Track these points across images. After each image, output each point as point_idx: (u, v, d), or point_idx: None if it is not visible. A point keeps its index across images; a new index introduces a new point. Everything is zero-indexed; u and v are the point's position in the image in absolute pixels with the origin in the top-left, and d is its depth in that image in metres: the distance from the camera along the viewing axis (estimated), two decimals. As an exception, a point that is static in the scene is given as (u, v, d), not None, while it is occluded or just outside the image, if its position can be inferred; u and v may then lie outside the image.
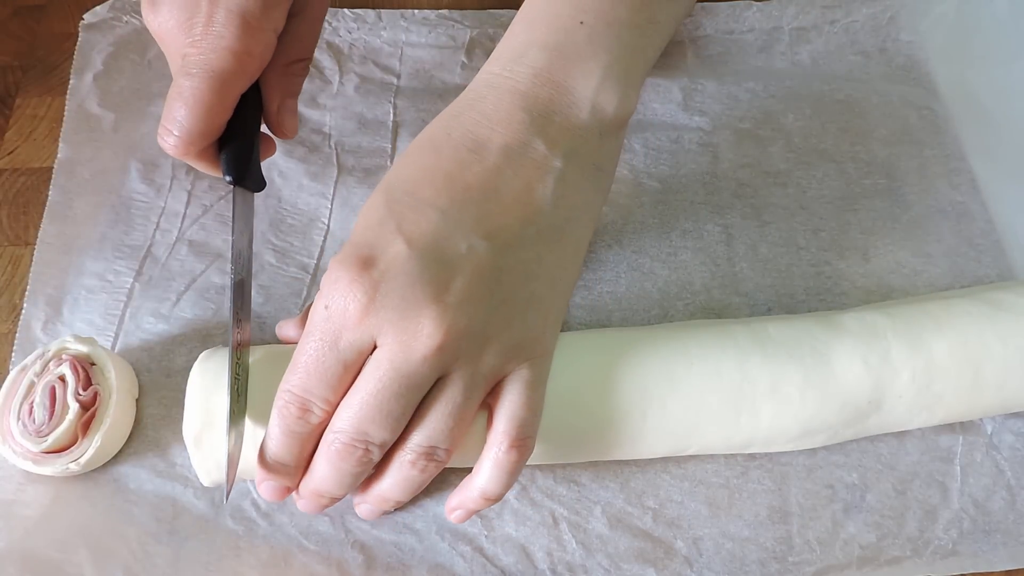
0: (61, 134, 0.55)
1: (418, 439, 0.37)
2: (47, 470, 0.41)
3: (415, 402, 0.36)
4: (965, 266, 0.51)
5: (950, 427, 0.45)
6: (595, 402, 0.41)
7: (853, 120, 0.57)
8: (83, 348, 0.43)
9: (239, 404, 0.39)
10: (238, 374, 0.39)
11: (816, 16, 0.62)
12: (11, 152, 0.55)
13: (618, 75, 0.40)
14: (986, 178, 0.54)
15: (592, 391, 0.41)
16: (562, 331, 0.46)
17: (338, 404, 0.36)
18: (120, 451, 0.44)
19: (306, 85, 0.57)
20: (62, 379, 0.42)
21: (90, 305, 0.48)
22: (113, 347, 0.47)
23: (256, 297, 0.49)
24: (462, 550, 0.42)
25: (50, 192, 0.52)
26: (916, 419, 0.43)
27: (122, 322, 0.48)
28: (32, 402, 0.42)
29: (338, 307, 0.35)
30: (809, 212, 0.53)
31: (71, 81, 0.57)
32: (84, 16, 0.60)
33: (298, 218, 0.52)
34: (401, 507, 0.42)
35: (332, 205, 0.53)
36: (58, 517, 0.42)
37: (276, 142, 0.49)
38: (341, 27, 0.61)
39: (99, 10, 0.60)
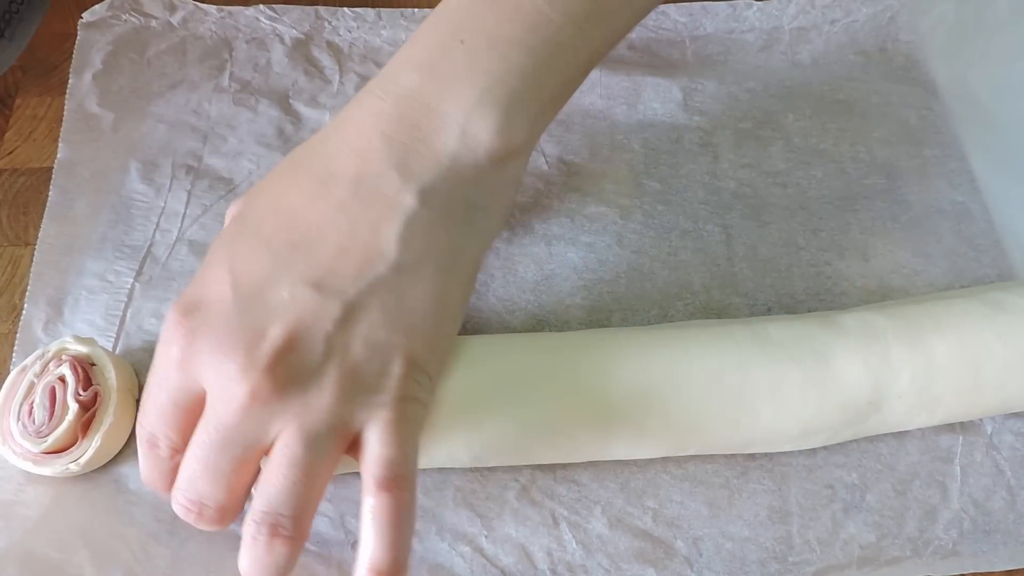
0: (61, 134, 0.55)
1: (257, 504, 0.33)
2: (47, 471, 0.41)
3: (248, 459, 0.34)
4: (965, 266, 0.51)
5: (950, 427, 0.45)
6: (595, 402, 0.41)
7: (853, 120, 0.57)
8: (83, 348, 0.43)
9: None
10: None
11: (816, 16, 0.62)
12: (11, 152, 0.55)
13: (498, 99, 0.35)
14: (986, 178, 0.54)
15: (592, 391, 0.41)
16: (562, 331, 0.46)
17: (187, 439, 0.35)
18: (120, 451, 0.44)
19: (306, 84, 0.58)
20: (62, 379, 0.42)
21: (91, 305, 0.48)
22: (114, 348, 0.47)
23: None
24: (462, 550, 0.42)
25: (50, 192, 0.52)
26: (916, 419, 0.43)
27: (123, 323, 0.48)
28: (32, 402, 0.42)
29: (162, 350, 0.35)
30: (809, 212, 0.53)
31: (70, 80, 0.57)
32: (83, 15, 0.59)
33: (298, 218, 0.52)
34: None
35: (332, 205, 0.53)
36: (58, 517, 0.42)
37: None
38: (341, 26, 0.61)
39: (98, 9, 0.60)
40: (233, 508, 0.35)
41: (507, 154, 0.37)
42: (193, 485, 0.34)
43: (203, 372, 0.34)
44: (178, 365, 0.34)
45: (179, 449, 0.35)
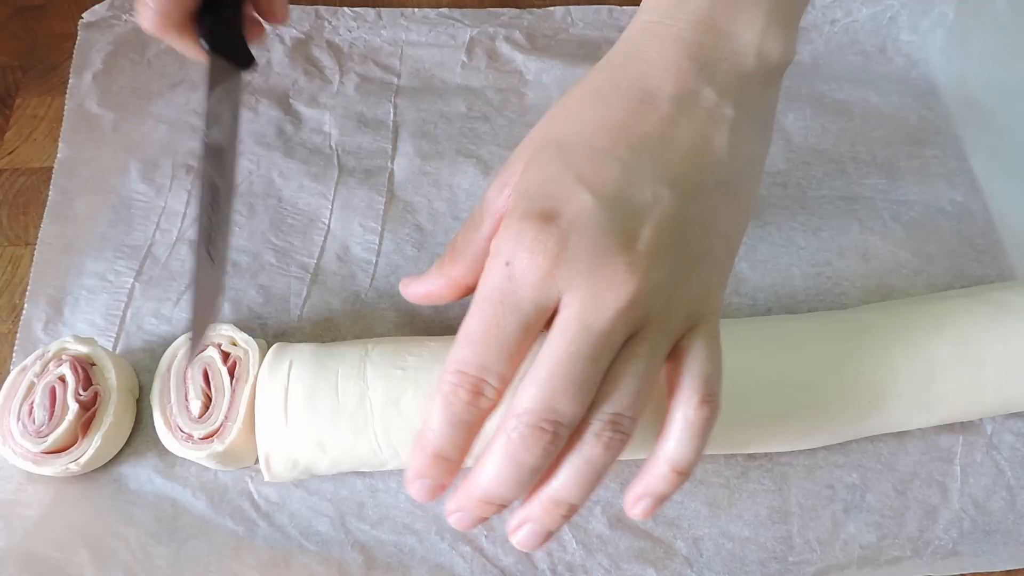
0: (61, 134, 0.55)
1: (607, 408, 0.32)
2: (47, 470, 0.41)
3: (606, 368, 0.32)
4: (965, 266, 0.51)
5: (950, 427, 0.45)
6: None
7: (853, 120, 0.57)
8: (83, 348, 0.43)
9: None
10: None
11: (816, 16, 0.62)
12: (11, 152, 0.55)
13: (780, 19, 0.37)
14: (986, 178, 0.54)
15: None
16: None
17: (510, 380, 0.33)
18: (120, 451, 0.44)
19: (306, 84, 0.58)
20: (62, 379, 0.42)
21: (91, 305, 0.48)
22: (114, 348, 0.47)
23: (256, 297, 0.49)
24: (462, 550, 0.42)
25: (50, 192, 0.52)
26: (916, 419, 0.43)
27: (123, 323, 0.48)
28: (32, 402, 0.42)
29: (523, 263, 0.32)
30: (809, 212, 0.53)
31: (70, 80, 0.57)
32: (83, 15, 0.60)
33: (298, 218, 0.52)
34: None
35: (332, 205, 0.53)
36: (58, 517, 0.42)
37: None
38: (341, 26, 0.61)
39: (98, 9, 0.60)
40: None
41: (783, 69, 0.39)
42: (549, 401, 0.31)
43: (575, 279, 0.32)
44: (545, 275, 0.32)
45: (502, 394, 0.33)
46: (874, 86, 0.59)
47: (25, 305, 0.48)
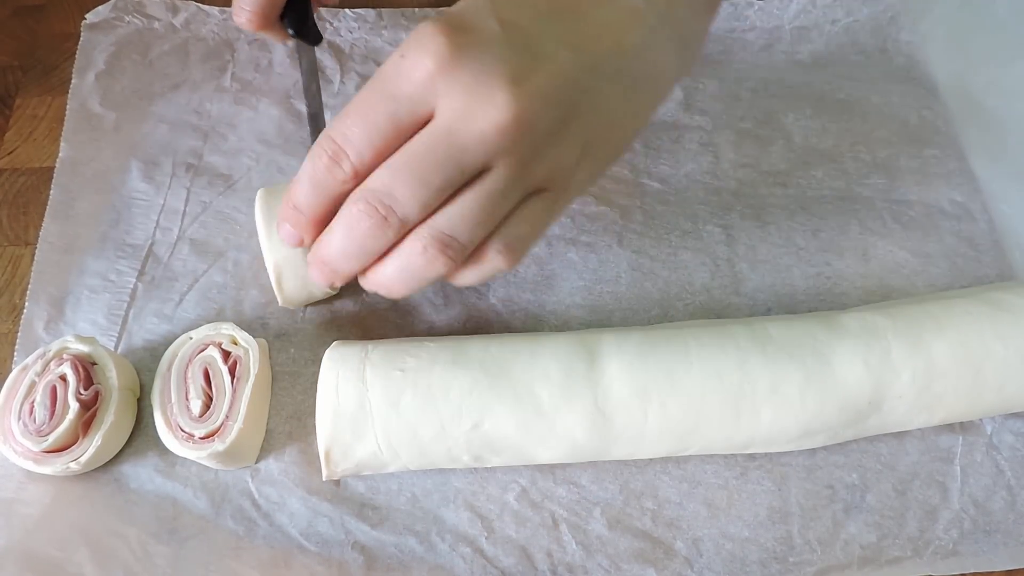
0: (62, 133, 0.55)
1: (439, 222, 0.35)
2: (48, 469, 0.41)
3: (454, 183, 0.34)
4: (965, 266, 0.51)
5: (950, 427, 0.45)
6: (595, 402, 0.41)
7: (853, 120, 0.57)
8: (84, 347, 0.43)
9: None
10: None
11: (817, 16, 0.62)
12: (11, 152, 0.55)
13: None
14: (986, 178, 0.54)
15: (592, 391, 0.41)
16: (561, 331, 0.46)
17: (372, 168, 0.35)
18: (121, 450, 0.44)
19: (307, 85, 0.58)
20: (63, 378, 0.42)
21: (93, 305, 0.48)
22: (116, 347, 0.47)
23: (258, 297, 0.49)
24: (462, 551, 0.42)
25: (52, 191, 0.52)
26: (916, 419, 0.43)
27: (125, 322, 0.48)
28: (33, 401, 0.42)
29: (413, 59, 0.33)
30: (809, 212, 0.53)
31: (73, 80, 0.57)
32: (86, 16, 0.60)
33: (299, 218, 0.52)
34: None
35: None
36: (59, 516, 0.42)
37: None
38: (342, 27, 0.61)
39: (101, 10, 0.60)
40: (410, 229, 0.35)
41: (714, 5, 0.42)
42: (391, 186, 0.34)
43: (453, 90, 0.33)
44: (429, 74, 0.33)
45: (360, 175, 0.35)
46: (874, 86, 0.59)
47: (26, 304, 0.48)
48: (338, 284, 0.39)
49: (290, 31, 0.49)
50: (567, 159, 0.36)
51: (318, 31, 0.50)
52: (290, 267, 0.44)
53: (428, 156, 0.34)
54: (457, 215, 0.35)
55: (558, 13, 0.36)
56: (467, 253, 0.36)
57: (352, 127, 0.35)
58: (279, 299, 0.45)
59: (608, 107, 0.37)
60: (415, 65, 0.33)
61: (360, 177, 0.35)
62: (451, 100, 0.33)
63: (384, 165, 0.34)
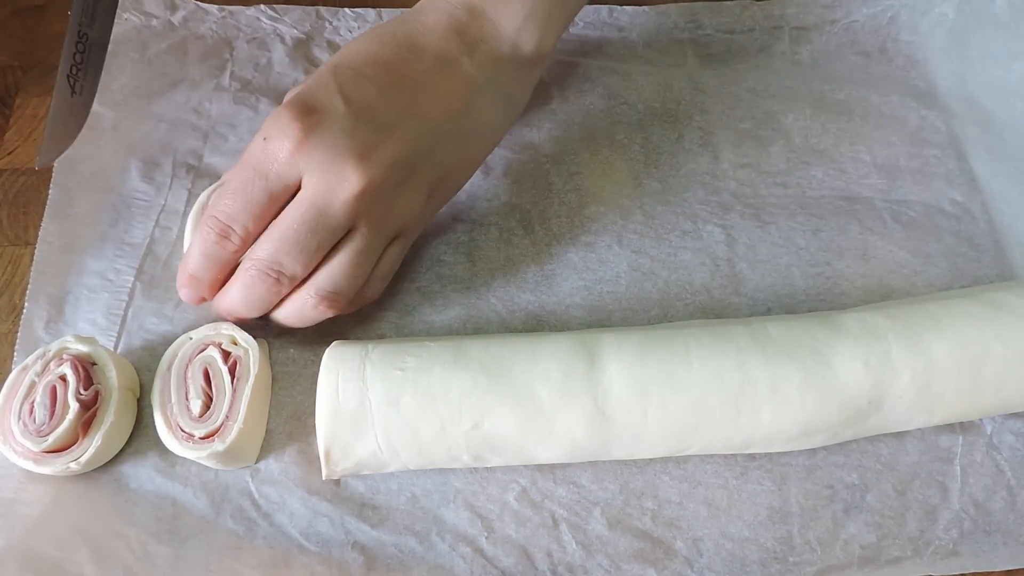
0: (61, 133, 0.55)
1: (321, 280, 0.41)
2: (48, 469, 0.41)
3: (327, 244, 0.41)
4: (965, 266, 0.51)
5: (950, 427, 0.45)
6: (595, 402, 0.41)
7: (853, 120, 0.57)
8: (84, 347, 0.43)
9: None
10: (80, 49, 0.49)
11: (816, 16, 0.62)
12: (11, 152, 0.55)
13: (540, 20, 0.46)
14: (986, 178, 0.54)
15: (592, 391, 0.41)
16: (561, 331, 0.46)
17: (256, 235, 0.41)
18: (121, 451, 0.44)
19: (306, 84, 0.57)
20: (63, 379, 0.42)
21: (92, 305, 0.48)
22: (116, 347, 0.47)
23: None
24: (462, 551, 0.42)
25: (51, 191, 0.52)
26: (916, 419, 0.43)
27: (124, 322, 0.48)
28: (33, 402, 0.42)
29: (273, 142, 0.40)
30: (809, 212, 0.53)
31: (71, 80, 0.57)
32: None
33: (298, 218, 0.52)
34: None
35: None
36: (59, 516, 0.42)
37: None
38: (342, 26, 0.61)
39: (99, 9, 0.60)
40: (295, 286, 0.42)
41: (537, 61, 0.48)
42: (276, 255, 0.40)
43: (312, 167, 0.40)
44: (288, 155, 0.40)
45: (247, 243, 0.41)
46: (874, 86, 0.59)
47: (26, 304, 0.48)
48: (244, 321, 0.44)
49: None
50: (415, 208, 0.44)
51: None
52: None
53: (302, 228, 0.40)
54: (337, 273, 0.41)
55: (398, 86, 0.43)
56: (350, 299, 0.43)
57: (233, 205, 0.40)
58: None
59: (446, 160, 0.44)
60: (277, 147, 0.40)
61: (247, 244, 0.41)
62: (311, 176, 0.40)
63: (266, 236, 0.41)
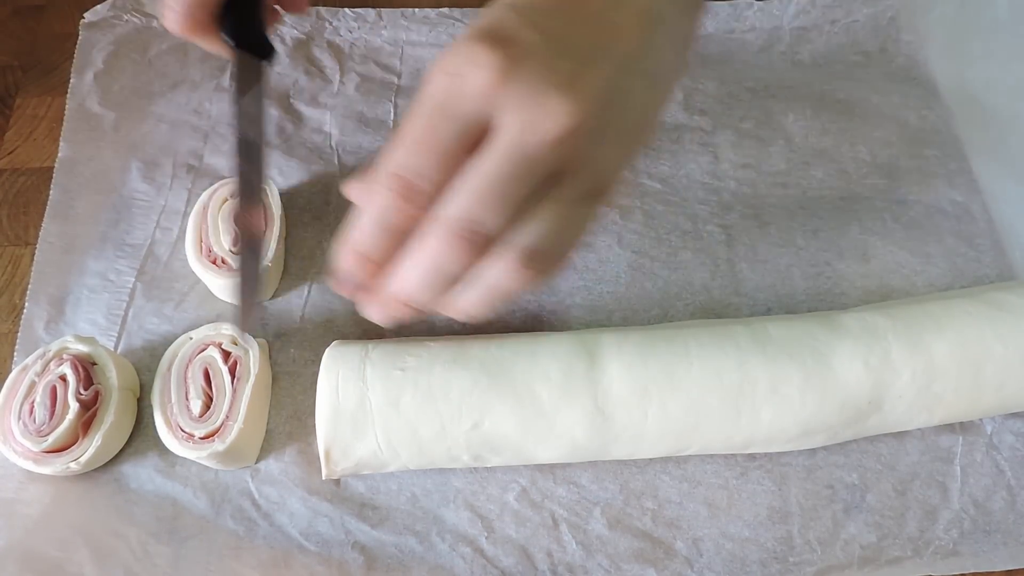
0: (62, 133, 0.55)
1: (526, 237, 0.33)
2: (48, 469, 0.41)
3: (530, 196, 0.33)
4: (965, 266, 0.51)
5: (950, 427, 0.45)
6: (595, 402, 0.41)
7: (853, 120, 0.57)
8: (84, 348, 0.43)
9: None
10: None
11: (817, 16, 0.62)
12: (11, 152, 0.55)
13: None
14: (986, 178, 0.54)
15: (592, 391, 0.41)
16: (561, 331, 0.46)
17: (441, 189, 0.33)
18: (121, 450, 0.44)
19: (306, 84, 0.58)
20: (63, 379, 0.42)
21: (92, 305, 0.48)
22: (116, 347, 0.47)
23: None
24: (462, 551, 0.42)
25: (51, 191, 0.52)
26: (916, 419, 0.43)
27: (125, 322, 0.48)
28: (33, 402, 0.42)
29: (469, 76, 0.32)
30: (809, 212, 0.53)
31: (72, 80, 0.57)
32: (85, 15, 0.60)
33: (298, 218, 0.52)
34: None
35: (332, 205, 0.53)
36: (59, 516, 0.42)
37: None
38: (342, 26, 0.61)
39: (100, 9, 0.60)
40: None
41: (699, 4, 0.41)
42: (474, 211, 0.32)
43: (512, 103, 0.32)
44: (487, 89, 0.32)
45: (434, 197, 0.33)
46: (874, 86, 0.59)
47: (26, 304, 0.48)
48: (406, 320, 0.36)
49: (228, 40, 0.40)
50: (618, 156, 0.36)
51: (268, 42, 0.41)
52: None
53: (506, 174, 0.32)
54: (547, 228, 0.34)
55: (581, 19, 0.36)
56: (557, 264, 0.35)
57: (419, 157, 0.33)
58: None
59: (636, 103, 0.37)
60: (474, 81, 0.32)
61: (432, 201, 0.33)
62: (514, 113, 0.32)
63: (461, 190, 0.33)
